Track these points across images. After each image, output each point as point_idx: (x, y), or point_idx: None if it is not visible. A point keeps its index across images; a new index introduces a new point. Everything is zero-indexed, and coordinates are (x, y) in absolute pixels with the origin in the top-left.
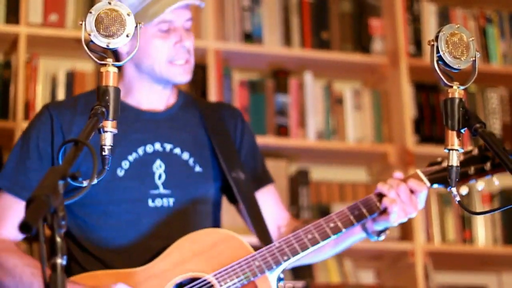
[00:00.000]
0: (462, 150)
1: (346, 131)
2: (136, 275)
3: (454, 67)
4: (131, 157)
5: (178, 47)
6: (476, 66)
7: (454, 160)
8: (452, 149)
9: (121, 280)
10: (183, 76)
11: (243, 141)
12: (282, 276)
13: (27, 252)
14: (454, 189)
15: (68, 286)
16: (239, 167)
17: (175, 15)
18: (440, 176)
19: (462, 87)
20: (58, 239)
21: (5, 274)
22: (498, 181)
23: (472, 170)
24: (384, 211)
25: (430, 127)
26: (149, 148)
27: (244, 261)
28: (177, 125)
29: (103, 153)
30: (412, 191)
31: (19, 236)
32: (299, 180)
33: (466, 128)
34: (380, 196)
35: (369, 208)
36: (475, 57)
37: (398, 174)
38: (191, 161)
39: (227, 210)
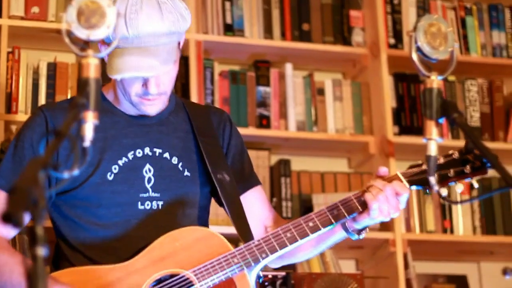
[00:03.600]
0: (440, 140)
1: (327, 122)
2: (116, 271)
3: (432, 57)
4: (121, 162)
5: (145, 89)
6: (454, 56)
7: (432, 149)
8: (431, 139)
9: (102, 276)
10: (151, 109)
11: (231, 144)
12: (261, 274)
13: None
14: (432, 179)
15: (52, 284)
16: (224, 169)
17: None
18: (419, 178)
19: (440, 77)
20: (39, 230)
21: None
22: (477, 185)
23: (452, 172)
24: (363, 210)
25: (410, 117)
26: (139, 153)
27: (223, 258)
28: (167, 130)
29: (84, 144)
30: (396, 193)
31: (11, 233)
32: (280, 171)
33: (444, 118)
34: (360, 196)
35: (348, 208)
36: (453, 47)
37: (384, 169)
38: (179, 166)
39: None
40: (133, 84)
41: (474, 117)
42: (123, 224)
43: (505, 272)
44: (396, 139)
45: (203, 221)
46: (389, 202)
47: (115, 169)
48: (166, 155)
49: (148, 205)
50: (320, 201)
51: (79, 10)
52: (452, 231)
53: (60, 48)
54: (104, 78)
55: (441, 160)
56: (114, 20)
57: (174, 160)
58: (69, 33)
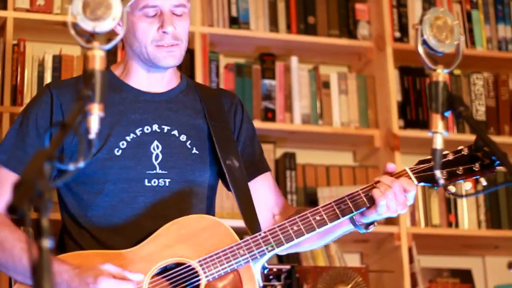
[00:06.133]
0: (446, 133)
1: (332, 115)
2: (123, 257)
3: (438, 50)
4: (128, 137)
5: (161, 32)
6: (460, 49)
7: (438, 143)
8: (436, 132)
9: (108, 261)
10: (169, 59)
11: (242, 128)
12: (266, 265)
13: None
14: (438, 172)
15: (55, 264)
16: (234, 154)
17: (160, 1)
18: (428, 175)
19: (446, 70)
20: (44, 222)
21: None
22: (485, 182)
23: (461, 170)
24: (371, 206)
25: (415, 111)
26: (147, 129)
27: (229, 249)
28: (176, 107)
29: (89, 137)
30: (403, 190)
31: None
32: (285, 164)
33: (450, 111)
34: (368, 192)
35: (355, 204)
36: (459, 40)
37: (392, 166)
38: (188, 144)
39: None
40: (148, 30)
41: (479, 111)
42: (129, 201)
43: (510, 266)
44: (402, 133)
45: (210, 201)
46: (397, 199)
47: (123, 144)
48: (175, 132)
49: (155, 182)
50: (325, 194)
51: (85, 2)
52: (457, 225)
53: (65, 41)
54: (108, 62)
55: (450, 157)
56: (119, 12)
57: (183, 137)
58: (75, 25)
